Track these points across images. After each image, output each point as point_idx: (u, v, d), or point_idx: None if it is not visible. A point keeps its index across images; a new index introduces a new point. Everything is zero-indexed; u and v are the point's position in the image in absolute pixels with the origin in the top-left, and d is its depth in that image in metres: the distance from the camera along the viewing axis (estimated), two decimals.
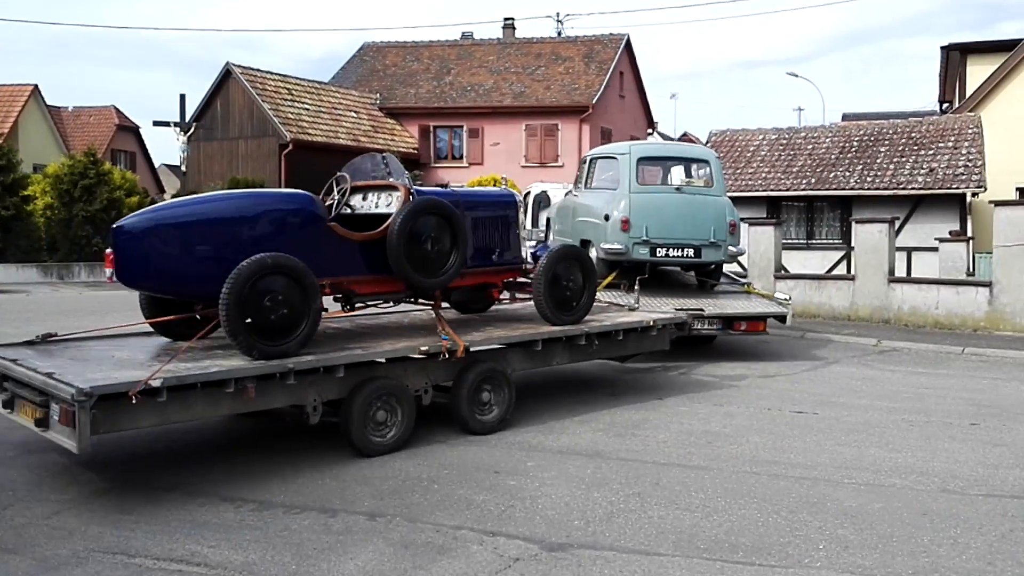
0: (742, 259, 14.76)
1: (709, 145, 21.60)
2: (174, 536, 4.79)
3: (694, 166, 11.57)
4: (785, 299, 11.50)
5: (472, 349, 7.00)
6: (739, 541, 4.72)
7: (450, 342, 6.81)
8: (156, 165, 47.65)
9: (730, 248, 10.98)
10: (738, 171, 20.04)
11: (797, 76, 41.39)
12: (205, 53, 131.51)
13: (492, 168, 33.27)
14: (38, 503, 5.36)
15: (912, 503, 5.37)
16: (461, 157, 36.39)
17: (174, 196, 30.74)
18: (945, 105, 27.80)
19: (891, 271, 13.75)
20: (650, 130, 43.75)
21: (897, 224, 13.93)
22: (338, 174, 7.74)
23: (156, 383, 5.28)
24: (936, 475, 5.97)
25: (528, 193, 16.19)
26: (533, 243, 12.70)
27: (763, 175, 19.68)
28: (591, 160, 12.10)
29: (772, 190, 19.13)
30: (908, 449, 6.63)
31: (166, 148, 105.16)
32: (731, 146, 21.09)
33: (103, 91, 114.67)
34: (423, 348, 6.71)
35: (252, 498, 5.43)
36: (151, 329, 7.11)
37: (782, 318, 10.97)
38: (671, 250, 10.77)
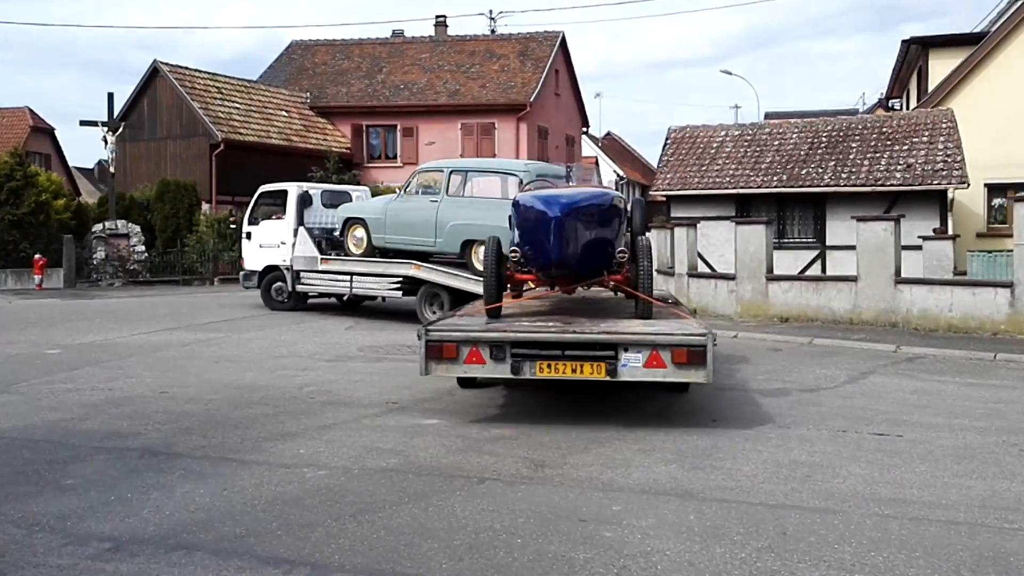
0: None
1: (669, 142, 21.10)
2: None
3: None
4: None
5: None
6: None
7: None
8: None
9: None
10: (703, 168, 19.56)
11: (731, 74, 41.66)
12: (113, 55, 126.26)
13: None
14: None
15: None
16: (395, 156, 35.37)
17: (103, 198, 28.91)
18: (894, 101, 27.96)
19: (897, 271, 13.22)
20: (584, 129, 43.34)
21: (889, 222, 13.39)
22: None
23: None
24: None
25: (285, 192, 17.41)
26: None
27: (730, 172, 19.22)
28: (467, 172, 14.57)
29: (742, 187, 18.69)
30: None
31: (77, 150, 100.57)
32: (692, 142, 20.62)
33: (10, 93, 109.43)
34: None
35: (302, 559, 4.47)
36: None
37: None
38: None
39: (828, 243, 18.23)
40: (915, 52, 23.22)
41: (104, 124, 25.36)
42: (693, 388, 9.06)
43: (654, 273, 8.67)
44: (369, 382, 9.43)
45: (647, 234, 9.73)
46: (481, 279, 12.43)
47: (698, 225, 16.65)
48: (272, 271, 17.40)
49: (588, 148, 47.85)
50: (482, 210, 13.86)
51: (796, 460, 6.40)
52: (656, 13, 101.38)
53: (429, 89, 35.53)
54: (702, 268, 17.47)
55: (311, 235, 16.69)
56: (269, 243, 17.39)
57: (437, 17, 40.45)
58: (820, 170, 18.34)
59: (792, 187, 18.21)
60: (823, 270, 18.10)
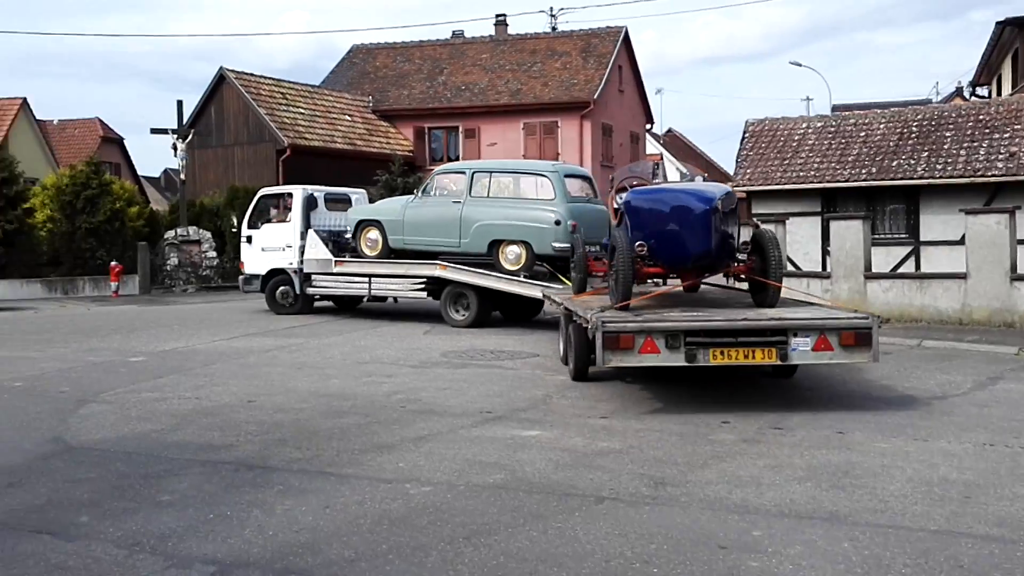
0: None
1: (747, 136, 20.40)
2: None
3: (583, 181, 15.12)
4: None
5: None
6: None
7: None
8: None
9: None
10: (785, 162, 18.82)
11: (800, 65, 40.30)
12: (171, 66, 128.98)
13: None
14: None
15: None
16: (457, 158, 35.05)
17: (173, 205, 29.16)
18: (981, 88, 26.69)
19: (1013, 267, 12.36)
20: (649, 125, 42.59)
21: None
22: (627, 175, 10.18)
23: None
24: None
25: (290, 195, 17.30)
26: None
27: (815, 166, 18.45)
28: (491, 172, 14.80)
29: (828, 181, 17.91)
30: None
31: (143, 159, 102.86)
32: (772, 135, 19.88)
33: (78, 105, 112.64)
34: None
35: None
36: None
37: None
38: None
39: (922, 239, 17.36)
40: (1010, 34, 21.97)
41: (174, 131, 25.56)
42: (809, 395, 8.56)
43: (784, 263, 9.23)
44: (458, 389, 9.05)
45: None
46: (511, 278, 14.07)
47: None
48: (276, 275, 17.08)
49: (651, 145, 47.06)
50: (510, 210, 14.17)
51: (946, 478, 5.82)
52: (711, 6, 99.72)
53: (490, 89, 35.21)
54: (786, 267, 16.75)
55: (321, 238, 16.49)
56: (273, 246, 17.08)
57: (497, 16, 40.16)
58: (912, 161, 17.47)
59: (883, 180, 17.36)
60: (917, 267, 17.25)
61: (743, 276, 9.17)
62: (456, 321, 14.80)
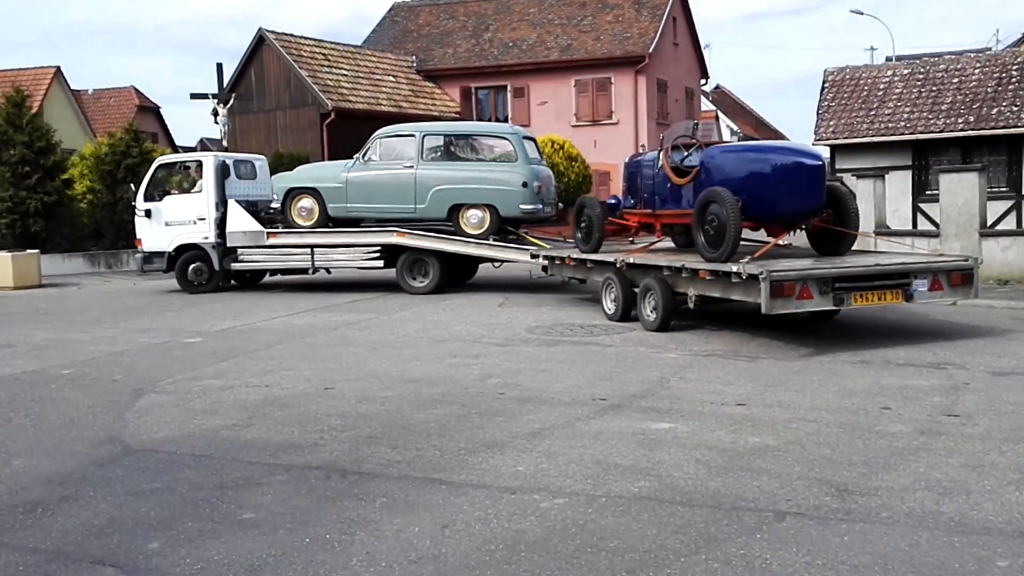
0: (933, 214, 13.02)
1: (826, 86, 18.97)
2: None
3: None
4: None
5: None
6: None
7: None
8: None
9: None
10: (872, 113, 17.40)
11: (862, 14, 38.26)
12: (200, 33, 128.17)
13: (540, 129, 30.56)
14: None
15: None
16: (506, 119, 33.78)
17: None
18: None
19: None
20: (704, 81, 40.93)
21: None
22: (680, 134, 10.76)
23: None
24: None
25: (199, 163, 16.24)
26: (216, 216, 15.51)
27: (904, 115, 17.04)
28: (445, 135, 14.62)
29: (920, 132, 16.50)
30: None
31: (177, 129, 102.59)
32: (855, 85, 18.44)
33: (112, 75, 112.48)
34: None
35: None
36: None
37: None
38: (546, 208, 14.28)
39: None
40: None
41: (214, 96, 24.58)
42: (976, 375, 7.46)
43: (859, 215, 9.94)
44: (558, 372, 8.01)
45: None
46: (481, 242, 14.02)
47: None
48: (186, 251, 15.77)
49: (703, 102, 45.40)
50: (472, 173, 14.13)
51: None
52: None
53: (539, 45, 33.81)
54: None
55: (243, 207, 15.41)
56: (180, 220, 15.73)
57: None
58: (1015, 107, 16.00)
59: (982, 129, 15.93)
60: (1018, 223, 15.87)
61: (818, 228, 9.89)
62: (416, 288, 14.37)
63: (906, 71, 18.17)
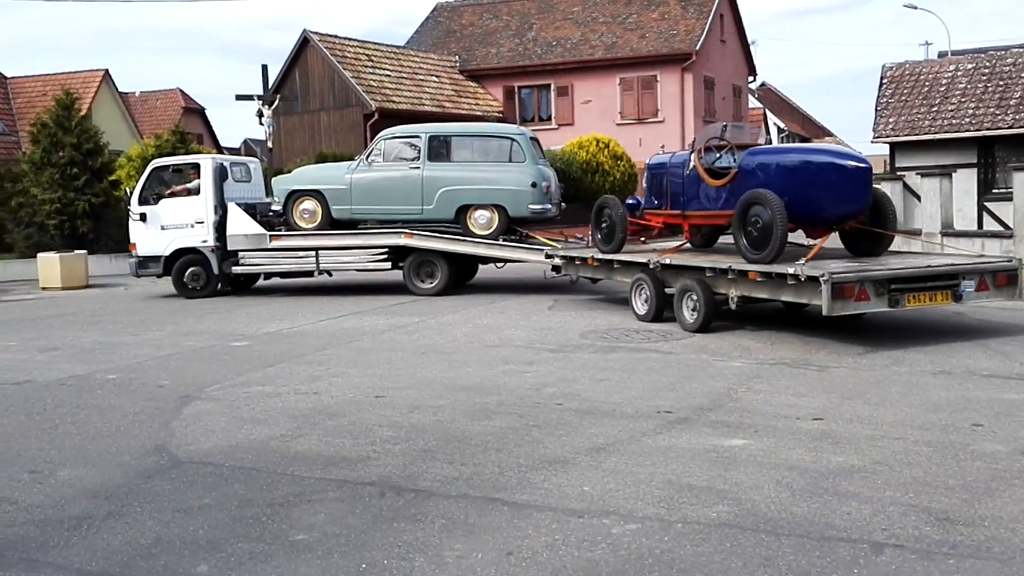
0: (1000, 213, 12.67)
1: (885, 82, 18.35)
2: None
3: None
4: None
5: None
6: None
7: None
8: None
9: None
10: (934, 109, 16.77)
11: (916, 8, 37.24)
12: (245, 36, 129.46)
13: (584, 128, 30.19)
14: None
15: None
16: (549, 118, 33.53)
17: (270, 171, 28.32)
18: None
19: None
20: (751, 78, 40.23)
21: None
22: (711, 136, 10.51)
23: None
24: None
25: (195, 165, 15.93)
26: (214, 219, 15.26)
27: (969, 112, 16.39)
28: (450, 136, 14.34)
29: (987, 129, 15.84)
30: None
31: (222, 130, 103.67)
32: (915, 81, 17.80)
33: (159, 78, 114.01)
34: None
35: None
36: None
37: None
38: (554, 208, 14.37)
39: None
40: None
41: (259, 97, 24.50)
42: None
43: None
44: (618, 381, 7.65)
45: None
46: (493, 243, 13.98)
47: (925, 178, 13.99)
48: (183, 255, 15.40)
49: (751, 100, 44.64)
50: (480, 173, 13.99)
51: None
52: None
53: (584, 44, 33.41)
54: None
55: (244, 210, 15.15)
56: (177, 223, 15.35)
57: None
58: None
59: None
60: None
61: (853, 230, 9.83)
62: (424, 290, 14.28)
63: (970, 66, 17.47)
